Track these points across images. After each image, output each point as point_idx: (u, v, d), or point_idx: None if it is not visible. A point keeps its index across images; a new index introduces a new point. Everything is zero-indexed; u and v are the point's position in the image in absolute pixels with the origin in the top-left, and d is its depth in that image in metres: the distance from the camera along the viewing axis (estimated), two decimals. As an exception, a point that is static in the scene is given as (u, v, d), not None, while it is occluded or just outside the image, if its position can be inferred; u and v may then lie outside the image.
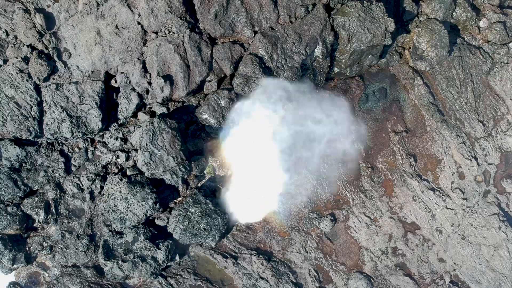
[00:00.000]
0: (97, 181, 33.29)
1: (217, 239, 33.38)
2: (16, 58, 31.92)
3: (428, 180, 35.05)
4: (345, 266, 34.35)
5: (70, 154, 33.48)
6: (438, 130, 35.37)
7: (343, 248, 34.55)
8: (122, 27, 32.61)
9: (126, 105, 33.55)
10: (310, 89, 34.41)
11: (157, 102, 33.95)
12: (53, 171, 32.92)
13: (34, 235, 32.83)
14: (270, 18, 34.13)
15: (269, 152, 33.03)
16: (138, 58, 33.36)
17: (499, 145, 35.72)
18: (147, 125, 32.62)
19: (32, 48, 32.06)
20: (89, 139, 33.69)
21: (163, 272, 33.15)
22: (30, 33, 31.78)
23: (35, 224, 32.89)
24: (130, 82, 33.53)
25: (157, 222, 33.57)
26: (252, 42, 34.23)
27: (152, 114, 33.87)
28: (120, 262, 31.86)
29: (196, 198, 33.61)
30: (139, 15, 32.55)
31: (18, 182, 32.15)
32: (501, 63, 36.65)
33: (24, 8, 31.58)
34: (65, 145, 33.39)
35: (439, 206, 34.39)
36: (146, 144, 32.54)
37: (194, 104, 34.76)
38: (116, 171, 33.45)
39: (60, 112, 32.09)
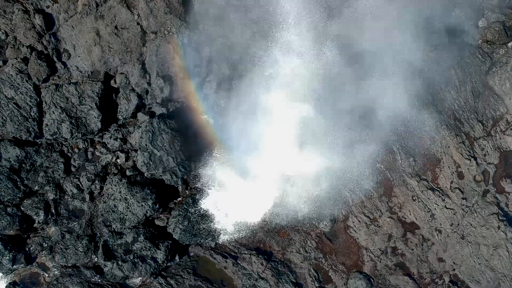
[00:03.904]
0: (96, 181, 33.32)
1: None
2: (16, 58, 31.97)
3: (427, 179, 35.07)
4: (344, 266, 34.40)
5: (69, 154, 33.52)
6: (437, 130, 35.39)
7: (343, 248, 34.60)
8: (122, 28, 32.66)
9: (125, 106, 33.60)
10: None
11: (156, 102, 34.00)
12: (52, 172, 32.96)
13: (34, 236, 32.87)
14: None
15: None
16: (137, 59, 33.41)
17: (498, 145, 35.73)
18: (146, 126, 32.66)
19: (32, 48, 32.11)
20: (88, 140, 33.73)
21: (163, 272, 33.17)
22: (29, 33, 31.83)
23: (35, 225, 32.92)
24: (129, 83, 33.58)
25: (157, 222, 33.60)
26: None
27: (152, 114, 33.90)
28: (120, 263, 31.90)
29: (196, 198, 33.66)
30: (139, 15, 32.61)
31: (18, 183, 32.19)
32: (500, 62, 36.65)
33: (23, 8, 31.64)
34: (65, 145, 33.43)
35: (438, 205, 34.41)
36: (146, 145, 32.59)
37: (194, 105, 34.80)
38: (116, 171, 33.49)
39: (59, 112, 32.14)
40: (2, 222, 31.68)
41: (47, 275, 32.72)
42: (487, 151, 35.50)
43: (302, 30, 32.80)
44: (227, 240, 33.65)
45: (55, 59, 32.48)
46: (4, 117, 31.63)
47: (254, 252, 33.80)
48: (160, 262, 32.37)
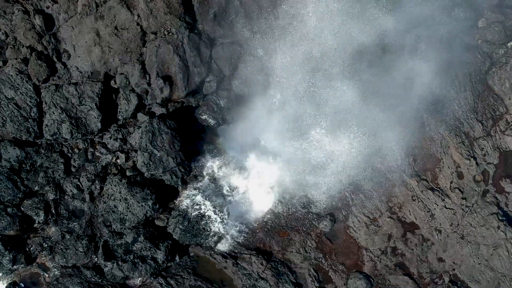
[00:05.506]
0: (96, 181, 33.33)
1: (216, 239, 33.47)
2: (16, 59, 31.98)
3: (427, 179, 35.10)
4: (344, 266, 34.42)
5: (69, 155, 33.53)
6: (437, 129, 35.43)
7: (343, 248, 34.62)
8: (122, 28, 32.67)
9: (125, 106, 33.62)
10: None
11: (156, 102, 34.01)
12: (53, 172, 32.98)
13: (34, 236, 32.87)
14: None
15: None
16: (137, 59, 33.42)
17: (498, 145, 35.78)
18: (146, 126, 32.67)
19: (32, 49, 32.12)
20: (88, 140, 33.74)
21: (163, 273, 33.18)
22: (29, 34, 31.84)
23: (35, 225, 32.92)
24: (129, 83, 33.59)
25: (157, 222, 33.61)
26: (250, 42, 34.34)
27: (152, 114, 33.92)
28: (120, 263, 31.90)
29: (196, 198, 33.69)
30: (138, 16, 32.62)
31: (18, 183, 32.19)
32: (499, 62, 36.73)
33: (23, 9, 31.65)
34: (65, 146, 33.45)
35: (438, 205, 34.44)
36: (146, 145, 32.60)
37: (194, 105, 34.84)
38: (116, 172, 33.50)
39: (59, 113, 32.15)
40: (2, 222, 31.68)
41: (47, 275, 32.72)
42: (486, 151, 35.54)
43: None
44: (232, 241, 33.75)
45: (55, 59, 32.48)
46: (4, 118, 31.64)
47: (254, 252, 33.81)
48: (160, 262, 32.37)
